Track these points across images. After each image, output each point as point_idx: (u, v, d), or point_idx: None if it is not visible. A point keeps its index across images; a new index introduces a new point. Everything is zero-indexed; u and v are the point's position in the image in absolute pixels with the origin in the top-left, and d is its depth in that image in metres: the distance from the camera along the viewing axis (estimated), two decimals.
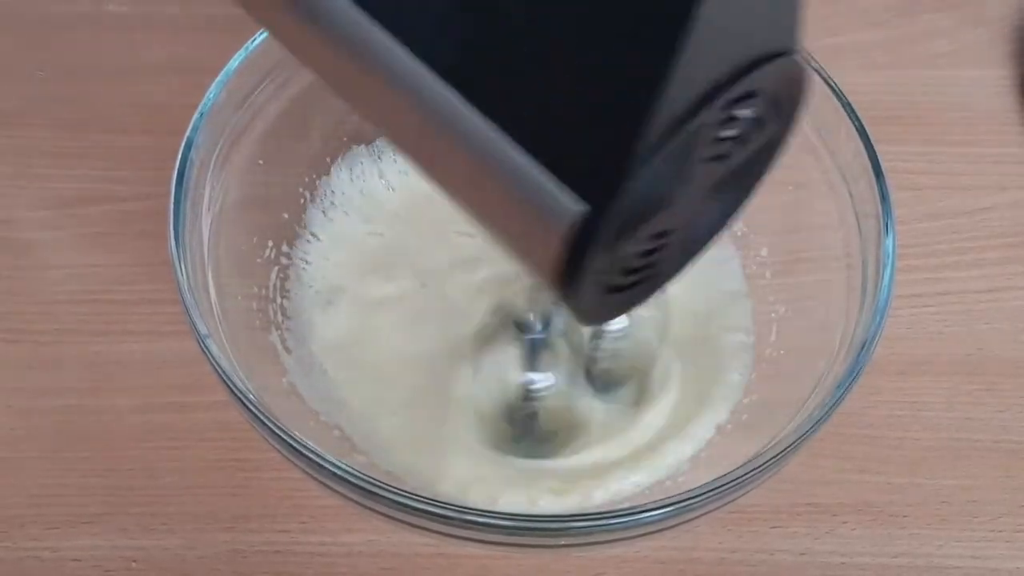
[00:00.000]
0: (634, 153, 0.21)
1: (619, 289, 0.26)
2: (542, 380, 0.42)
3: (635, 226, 0.24)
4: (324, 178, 0.49)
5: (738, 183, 0.28)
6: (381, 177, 0.50)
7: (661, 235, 0.26)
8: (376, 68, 0.24)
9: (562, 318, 0.41)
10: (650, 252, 0.26)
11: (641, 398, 0.44)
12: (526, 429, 0.43)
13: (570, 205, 0.22)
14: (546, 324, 0.40)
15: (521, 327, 0.42)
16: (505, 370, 0.42)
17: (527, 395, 0.42)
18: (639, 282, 0.27)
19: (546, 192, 0.22)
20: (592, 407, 0.43)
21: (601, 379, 0.43)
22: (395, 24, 0.23)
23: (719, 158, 0.25)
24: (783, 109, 0.26)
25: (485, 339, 0.43)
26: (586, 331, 0.42)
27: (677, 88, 0.21)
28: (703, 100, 0.22)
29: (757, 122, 0.25)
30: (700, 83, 0.22)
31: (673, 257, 0.28)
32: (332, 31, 0.24)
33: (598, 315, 0.28)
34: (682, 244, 0.28)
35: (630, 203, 0.22)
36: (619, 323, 0.41)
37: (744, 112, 0.24)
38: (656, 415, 0.43)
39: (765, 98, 0.25)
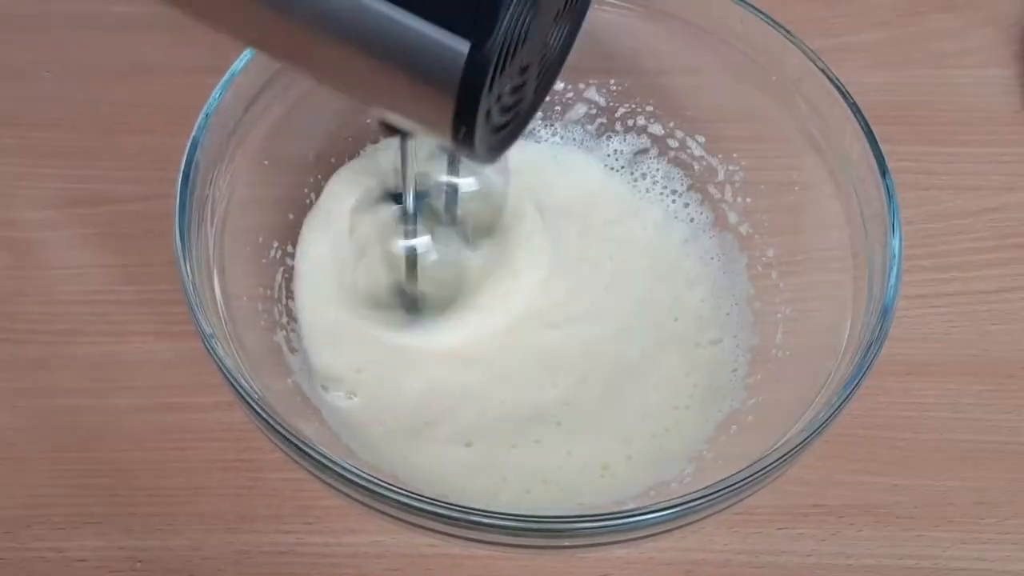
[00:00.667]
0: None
1: (500, 128, 0.30)
2: (422, 244, 0.43)
3: (507, 60, 0.27)
4: (329, 178, 0.49)
5: (570, 14, 0.33)
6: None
7: (524, 70, 0.30)
8: None
9: (429, 186, 0.44)
10: (517, 88, 0.30)
11: (504, 239, 0.47)
12: (413, 297, 0.45)
13: (459, 47, 0.26)
14: (415, 194, 0.42)
15: (394, 199, 0.45)
16: (386, 244, 0.44)
17: (411, 261, 0.44)
18: (512, 119, 0.31)
19: (434, 41, 0.26)
20: (469, 257, 0.46)
21: (469, 234, 0.46)
22: None
23: None
24: None
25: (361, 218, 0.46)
26: (444, 197, 0.45)
27: None
28: None
29: None
30: None
31: (531, 92, 0.32)
32: None
33: (491, 154, 0.31)
34: (536, 79, 0.32)
35: (505, 36, 0.26)
36: (469, 183, 0.45)
37: None
38: (520, 243, 0.47)
39: None
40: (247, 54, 0.41)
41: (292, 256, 0.47)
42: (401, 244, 0.43)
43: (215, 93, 0.40)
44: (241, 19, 0.29)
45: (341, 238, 0.46)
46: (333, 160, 0.49)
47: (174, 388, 0.46)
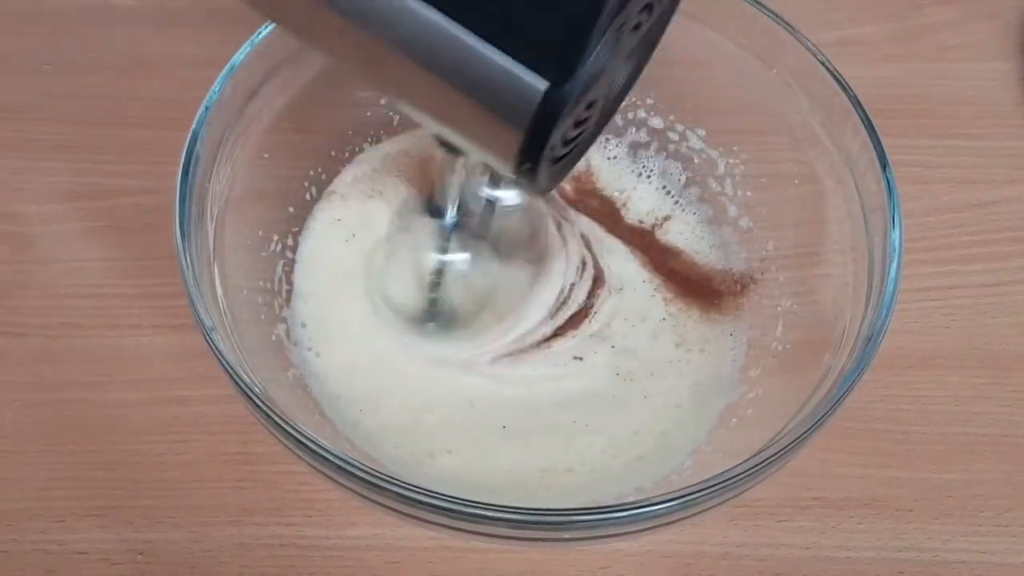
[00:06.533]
0: (593, 32, 0.25)
1: (559, 159, 0.30)
2: (458, 258, 0.44)
3: (580, 99, 0.28)
4: (329, 172, 0.49)
5: (640, 51, 0.33)
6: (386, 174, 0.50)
7: (590, 105, 0.29)
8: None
9: (469, 200, 0.43)
10: (580, 123, 0.30)
11: (539, 257, 0.47)
12: (440, 310, 0.45)
13: (537, 84, 0.26)
14: (458, 208, 0.42)
15: (435, 212, 0.44)
16: (420, 255, 0.44)
17: (440, 275, 0.44)
18: (571, 151, 0.31)
19: (513, 76, 0.26)
20: (500, 272, 0.46)
21: (503, 249, 0.46)
22: None
23: (637, 27, 0.29)
24: None
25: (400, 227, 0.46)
26: (481, 209, 0.44)
27: None
28: None
29: None
30: None
31: (592, 125, 0.32)
32: None
33: (547, 185, 0.31)
34: (599, 112, 0.32)
35: (586, 76, 0.27)
36: (510, 197, 0.44)
37: None
38: (555, 267, 0.47)
39: None
40: (247, 47, 0.41)
41: (292, 249, 0.47)
42: (437, 258, 0.43)
43: (215, 86, 0.40)
44: (321, 31, 0.29)
45: (351, 234, 0.46)
46: (333, 153, 0.49)
47: (175, 381, 0.46)
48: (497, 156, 0.29)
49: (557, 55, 0.26)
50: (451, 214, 0.41)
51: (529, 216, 0.47)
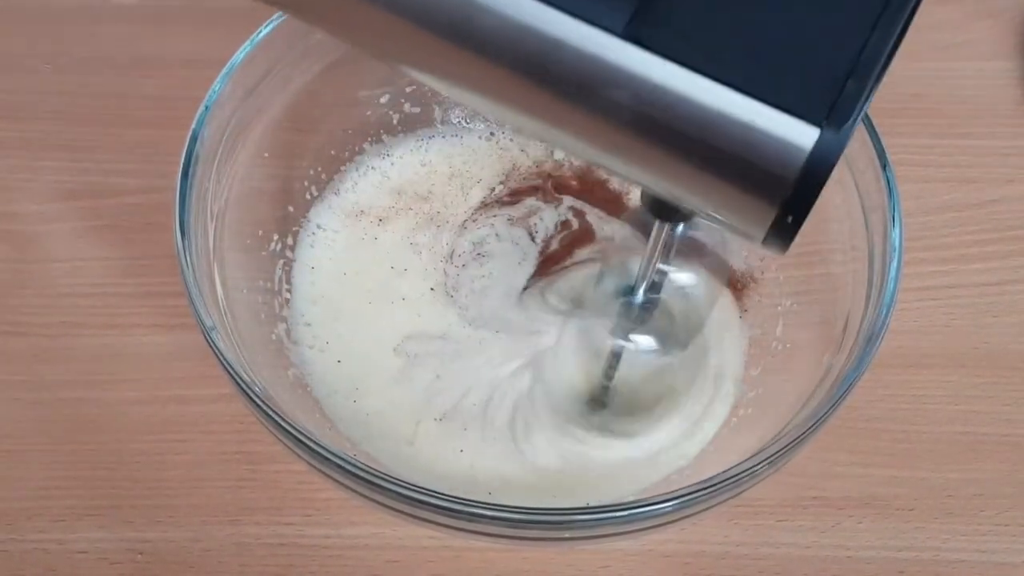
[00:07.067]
0: (873, 72, 0.23)
1: None
2: (642, 343, 0.41)
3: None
4: (329, 171, 0.49)
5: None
6: (386, 173, 0.50)
7: None
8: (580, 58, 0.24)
9: (648, 281, 0.39)
10: None
11: (704, 344, 0.44)
12: (605, 400, 0.43)
13: (806, 134, 0.23)
14: (646, 288, 0.38)
15: (622, 292, 0.42)
16: (598, 338, 0.42)
17: (614, 362, 0.41)
18: None
19: (775, 130, 0.23)
20: (668, 364, 0.43)
21: (675, 336, 0.44)
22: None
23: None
24: None
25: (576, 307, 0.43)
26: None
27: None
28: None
29: None
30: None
31: None
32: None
33: (788, 244, 0.27)
34: None
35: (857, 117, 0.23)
36: (686, 278, 0.43)
37: None
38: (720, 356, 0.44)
39: None
40: (247, 46, 0.41)
41: (292, 249, 0.47)
42: (615, 341, 0.42)
43: (215, 86, 0.40)
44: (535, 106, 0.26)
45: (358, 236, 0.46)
46: (333, 152, 0.49)
47: (174, 380, 0.46)
48: (744, 223, 0.26)
49: (833, 99, 0.23)
50: (642, 291, 0.37)
51: (696, 301, 0.43)
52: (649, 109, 0.24)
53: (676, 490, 0.34)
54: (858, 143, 0.40)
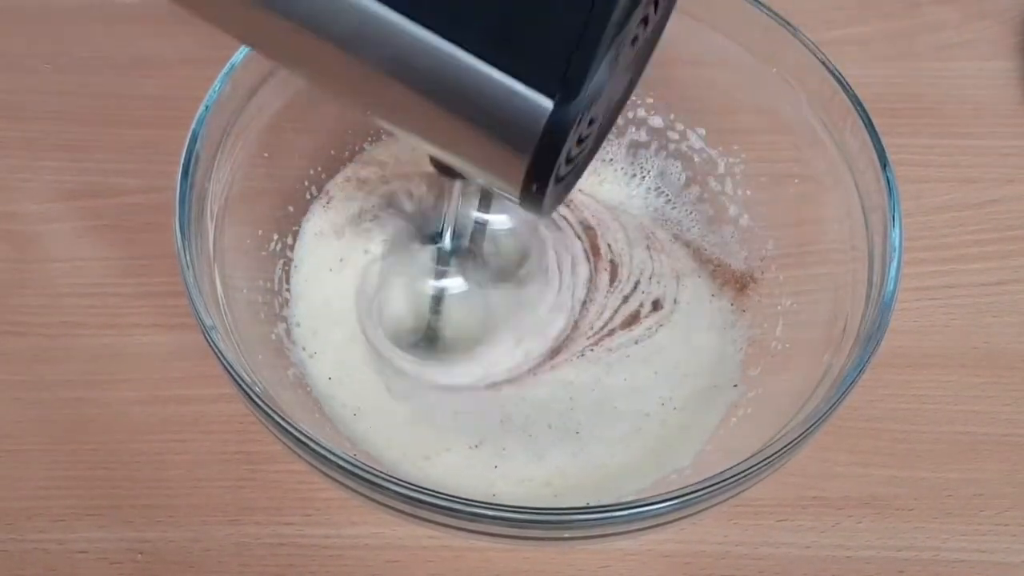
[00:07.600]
0: (599, 45, 0.25)
1: (561, 179, 0.29)
2: (454, 284, 0.44)
3: (586, 114, 0.27)
4: (329, 172, 0.49)
5: (635, 65, 0.33)
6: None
7: (591, 122, 0.29)
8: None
9: (464, 225, 0.43)
10: (582, 141, 0.29)
11: (528, 278, 0.47)
12: (434, 337, 0.45)
13: (542, 104, 0.25)
14: (453, 233, 0.42)
15: (431, 238, 0.44)
16: (416, 282, 0.45)
17: (439, 301, 0.44)
18: (572, 171, 0.30)
19: (516, 97, 0.25)
20: (492, 296, 0.46)
21: (497, 273, 0.46)
22: None
23: (634, 41, 0.29)
24: None
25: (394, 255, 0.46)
26: (473, 234, 0.45)
27: None
28: None
29: (655, 5, 0.30)
30: None
31: (591, 143, 0.31)
32: None
33: (551, 207, 0.30)
34: (597, 129, 0.31)
35: (590, 92, 0.26)
36: (502, 221, 0.45)
37: None
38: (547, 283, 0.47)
39: None
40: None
41: (292, 248, 0.47)
42: (432, 284, 0.43)
43: (215, 85, 0.40)
44: (306, 57, 0.28)
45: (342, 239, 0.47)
46: (333, 152, 0.49)
47: (174, 380, 0.46)
48: (503, 180, 0.29)
49: (561, 72, 0.25)
50: (447, 239, 0.41)
51: (521, 238, 0.46)
52: (406, 72, 0.26)
53: (676, 490, 0.34)
54: (858, 143, 0.41)
